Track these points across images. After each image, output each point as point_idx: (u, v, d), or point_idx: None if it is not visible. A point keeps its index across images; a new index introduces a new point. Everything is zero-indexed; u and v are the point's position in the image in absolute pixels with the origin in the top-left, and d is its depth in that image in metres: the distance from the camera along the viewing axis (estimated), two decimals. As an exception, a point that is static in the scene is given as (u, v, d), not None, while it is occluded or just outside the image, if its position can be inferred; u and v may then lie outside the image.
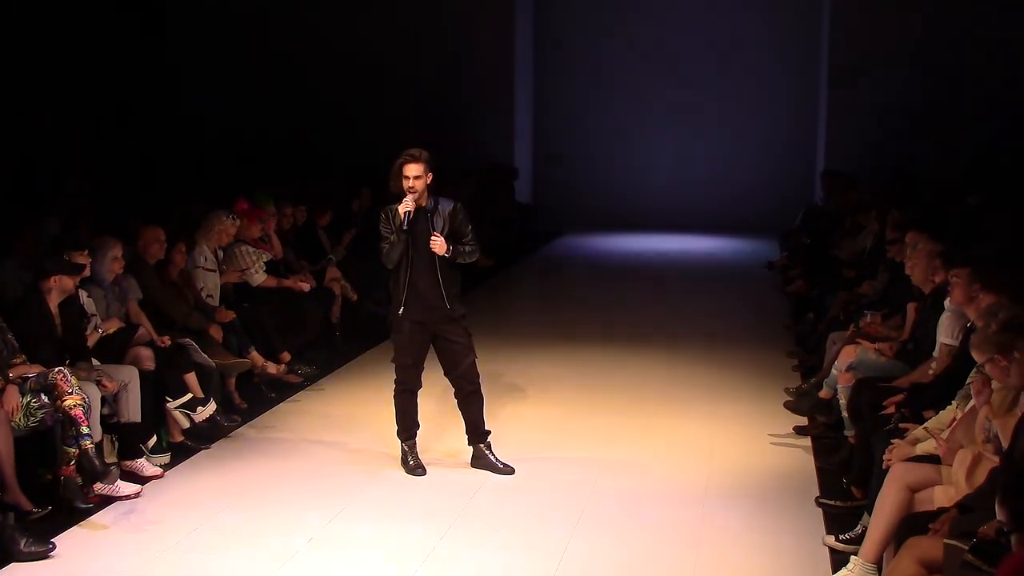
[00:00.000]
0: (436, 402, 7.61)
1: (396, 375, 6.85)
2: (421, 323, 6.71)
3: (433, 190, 6.69)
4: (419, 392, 6.92)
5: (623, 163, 18.56)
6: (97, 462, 6.10)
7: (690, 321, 11.53)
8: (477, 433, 6.90)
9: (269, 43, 17.16)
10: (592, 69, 18.54)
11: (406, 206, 6.53)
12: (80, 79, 14.19)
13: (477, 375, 6.84)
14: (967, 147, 15.05)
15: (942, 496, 5.00)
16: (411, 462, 6.85)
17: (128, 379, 6.73)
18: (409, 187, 6.53)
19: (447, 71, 17.47)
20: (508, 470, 6.81)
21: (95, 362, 6.77)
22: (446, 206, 6.66)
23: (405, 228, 6.56)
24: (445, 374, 6.90)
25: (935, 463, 5.22)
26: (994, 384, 5.27)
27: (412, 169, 6.53)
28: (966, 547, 4.22)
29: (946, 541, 4.36)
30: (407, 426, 6.89)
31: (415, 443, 6.91)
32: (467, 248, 6.71)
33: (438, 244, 6.56)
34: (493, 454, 6.88)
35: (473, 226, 6.79)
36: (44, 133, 13.26)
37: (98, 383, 6.49)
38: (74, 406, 6.05)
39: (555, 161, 18.35)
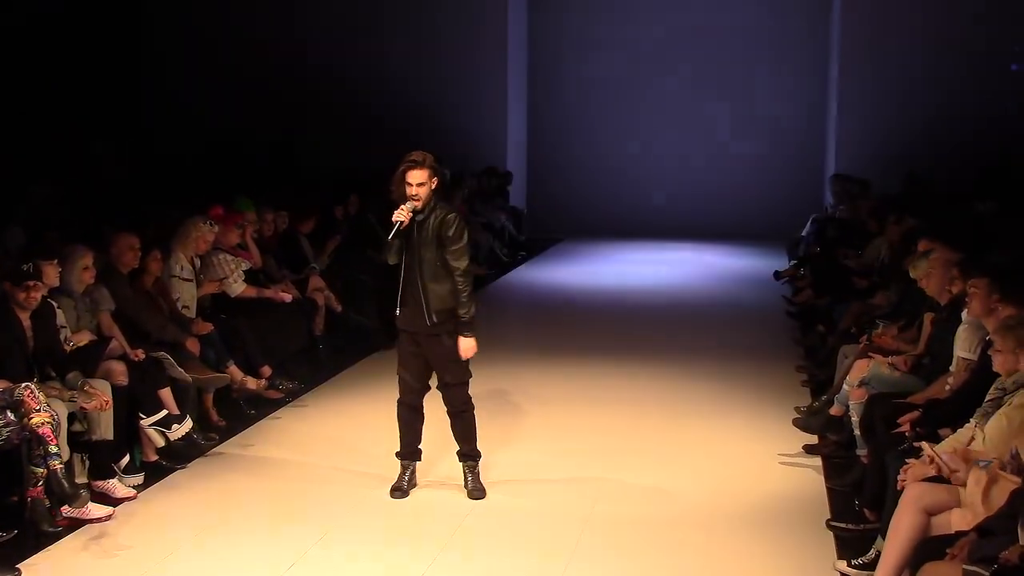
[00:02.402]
0: (440, 422, 7.43)
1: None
2: (411, 333, 6.68)
3: (440, 195, 6.61)
4: (424, 409, 6.83)
5: (622, 167, 18.56)
6: (66, 483, 6.05)
7: (692, 334, 11.51)
8: (461, 453, 6.86)
9: (255, 44, 17.19)
10: (590, 69, 18.56)
11: (400, 215, 6.46)
12: (51, 82, 14.19)
13: (462, 399, 6.73)
14: (981, 152, 15.09)
15: (960, 519, 4.97)
16: (394, 482, 6.82)
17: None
18: (412, 195, 6.46)
19: (439, 73, 17.48)
20: (475, 494, 6.75)
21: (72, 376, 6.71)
22: (440, 215, 6.54)
23: (392, 238, 6.49)
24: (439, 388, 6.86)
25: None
26: (1014, 400, 5.28)
27: (415, 176, 6.46)
28: (987, 573, 4.20)
29: (965, 567, 4.35)
30: (403, 443, 6.84)
31: (408, 464, 6.85)
32: (461, 294, 6.53)
33: (463, 349, 6.57)
34: (472, 477, 6.82)
35: (468, 242, 6.61)
36: (10, 137, 13.22)
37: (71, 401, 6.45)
38: (42, 424, 6.00)
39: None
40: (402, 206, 6.47)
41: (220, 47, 17.20)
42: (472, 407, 6.81)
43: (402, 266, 6.61)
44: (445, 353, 6.64)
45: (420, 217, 6.53)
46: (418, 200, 6.46)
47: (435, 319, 6.55)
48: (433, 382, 6.86)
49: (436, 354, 6.65)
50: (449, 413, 6.80)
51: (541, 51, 18.82)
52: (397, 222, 6.46)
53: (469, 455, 6.84)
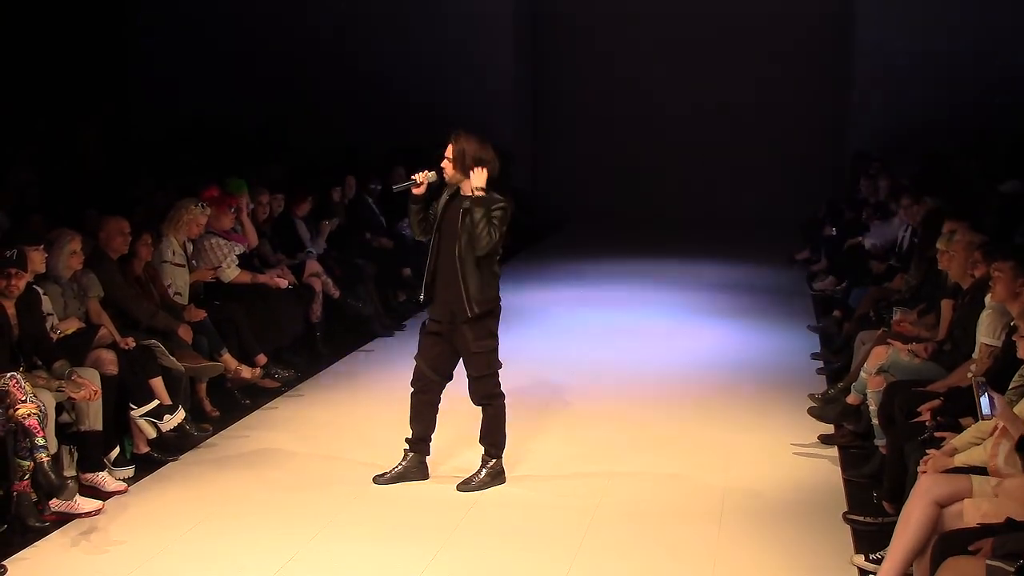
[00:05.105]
0: (458, 415, 7.23)
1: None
2: (437, 322, 6.66)
3: (493, 186, 6.55)
4: (440, 401, 6.82)
5: (631, 146, 18.49)
6: (54, 476, 6.05)
7: (705, 319, 11.50)
8: (483, 443, 6.86)
9: (243, 20, 17.14)
10: (597, 46, 18.48)
11: (423, 175, 6.54)
12: (33, 62, 14.16)
13: (483, 392, 6.71)
14: (1005, 132, 15.03)
15: (972, 509, 4.95)
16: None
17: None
18: (442, 165, 6.58)
19: (439, 49, 17.42)
20: (464, 486, 6.74)
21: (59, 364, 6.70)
22: (489, 203, 6.48)
23: (395, 189, 6.66)
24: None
25: (973, 474, 5.19)
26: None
27: (449, 149, 6.56)
28: (1012, 569, 4.19)
29: (989, 562, 4.33)
30: (412, 429, 6.84)
31: (408, 454, 6.84)
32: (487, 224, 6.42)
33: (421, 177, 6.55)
34: (480, 472, 6.81)
35: (499, 224, 6.46)
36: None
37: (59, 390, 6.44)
38: (28, 415, 5.99)
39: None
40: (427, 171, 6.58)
41: (207, 24, 17.15)
42: (498, 402, 6.79)
43: (432, 247, 6.62)
44: (466, 345, 6.63)
45: (466, 208, 6.48)
46: (446, 174, 6.55)
47: (476, 310, 6.52)
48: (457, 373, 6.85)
49: (460, 345, 6.66)
50: (475, 404, 6.81)
51: (546, 28, 18.74)
52: (411, 180, 6.55)
53: (485, 449, 6.84)
